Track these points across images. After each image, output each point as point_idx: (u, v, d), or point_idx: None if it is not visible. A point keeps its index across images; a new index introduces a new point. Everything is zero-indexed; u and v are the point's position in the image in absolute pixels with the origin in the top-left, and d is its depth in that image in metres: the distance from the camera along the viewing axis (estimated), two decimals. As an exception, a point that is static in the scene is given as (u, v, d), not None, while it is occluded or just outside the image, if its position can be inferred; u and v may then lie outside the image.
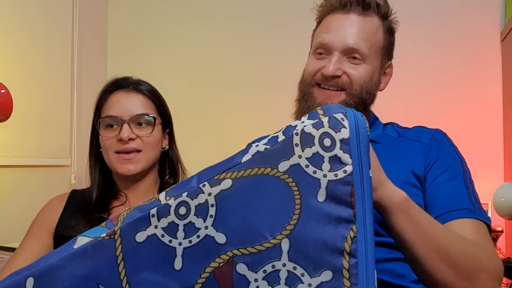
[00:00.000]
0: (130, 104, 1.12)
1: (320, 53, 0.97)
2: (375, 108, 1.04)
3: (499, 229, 1.80)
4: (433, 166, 0.89)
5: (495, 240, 1.79)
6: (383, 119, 1.06)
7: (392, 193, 0.70)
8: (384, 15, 0.99)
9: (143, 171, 1.12)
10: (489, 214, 1.88)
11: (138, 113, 1.11)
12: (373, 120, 1.03)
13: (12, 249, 1.46)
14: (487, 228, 0.82)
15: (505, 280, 1.47)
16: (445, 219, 0.81)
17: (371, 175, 0.61)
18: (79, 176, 2.09)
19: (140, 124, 1.11)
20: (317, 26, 1.03)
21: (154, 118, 1.13)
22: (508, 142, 1.90)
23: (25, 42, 1.82)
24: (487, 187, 1.78)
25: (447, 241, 0.72)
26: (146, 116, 1.12)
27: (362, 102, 0.95)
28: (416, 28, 2.07)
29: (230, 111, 2.27)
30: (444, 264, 0.70)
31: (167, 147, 1.20)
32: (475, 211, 0.82)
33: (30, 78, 1.84)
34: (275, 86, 2.01)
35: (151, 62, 2.38)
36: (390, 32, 1.01)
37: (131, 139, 1.08)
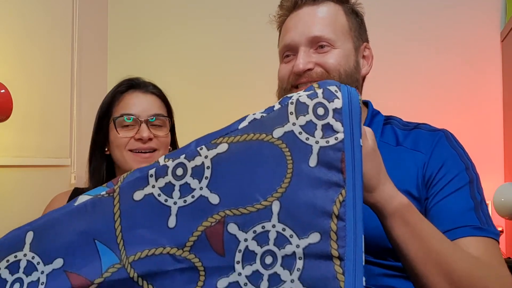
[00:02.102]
0: (148, 104, 1.15)
1: (287, 56, 0.94)
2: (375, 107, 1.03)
3: (499, 229, 1.79)
4: (435, 178, 0.84)
5: (495, 240, 1.79)
6: (383, 118, 1.03)
7: (390, 197, 0.68)
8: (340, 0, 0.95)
9: None
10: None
11: (156, 113, 1.13)
12: (371, 118, 0.97)
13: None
14: (496, 244, 0.77)
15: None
16: (451, 237, 0.74)
17: (361, 144, 0.62)
18: (79, 176, 2.08)
19: (156, 124, 1.13)
20: (279, 36, 1.01)
21: (169, 119, 1.15)
22: (508, 142, 1.90)
23: (25, 42, 1.82)
24: (487, 187, 1.77)
25: (450, 257, 0.67)
26: (163, 117, 1.14)
27: None
28: (416, 28, 2.07)
29: (231, 110, 2.27)
30: (446, 282, 0.66)
31: (170, 148, 1.22)
32: (483, 227, 0.76)
33: (30, 78, 1.84)
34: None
35: (151, 62, 2.38)
36: (354, 13, 0.96)
37: (150, 139, 1.11)
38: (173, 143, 1.24)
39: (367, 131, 0.68)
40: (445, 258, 0.67)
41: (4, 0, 1.71)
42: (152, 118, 1.12)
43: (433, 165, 0.86)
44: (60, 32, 2.05)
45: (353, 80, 0.92)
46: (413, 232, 0.67)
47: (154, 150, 1.13)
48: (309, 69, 0.90)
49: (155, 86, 1.20)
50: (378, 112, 1.00)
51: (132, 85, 1.17)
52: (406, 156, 0.89)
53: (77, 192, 1.19)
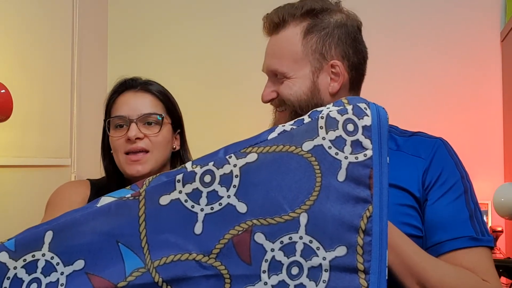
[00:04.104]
0: (138, 104, 1.12)
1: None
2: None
3: (499, 229, 1.80)
4: (434, 185, 0.87)
5: (495, 240, 1.79)
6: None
7: None
8: (304, 14, 0.92)
9: (152, 172, 1.10)
10: (489, 214, 1.88)
11: (146, 112, 1.11)
12: None
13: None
14: (490, 253, 0.82)
15: (505, 280, 1.47)
16: (447, 248, 0.81)
17: (388, 161, 0.64)
18: (79, 176, 2.08)
19: (149, 123, 1.11)
20: None
21: (162, 117, 1.12)
22: (508, 142, 1.90)
23: (25, 42, 1.82)
24: (487, 187, 1.78)
25: (424, 268, 0.73)
26: (154, 115, 1.12)
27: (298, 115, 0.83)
28: (416, 28, 2.07)
29: (232, 110, 2.27)
30: None
31: (178, 148, 1.20)
32: (477, 237, 0.81)
33: (30, 78, 1.84)
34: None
35: (151, 62, 2.38)
36: (319, 30, 0.91)
37: (138, 138, 1.08)
38: (182, 143, 1.21)
39: None
40: (419, 270, 0.74)
41: (4, 0, 1.71)
42: (144, 118, 1.10)
43: (433, 172, 0.88)
44: (60, 32, 2.05)
45: (311, 105, 0.90)
46: (400, 256, 0.73)
47: (146, 151, 1.10)
48: (273, 98, 0.95)
49: (151, 84, 1.16)
50: None
51: (125, 85, 1.16)
52: (407, 160, 0.91)
53: (95, 183, 1.17)
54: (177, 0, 2.39)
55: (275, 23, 0.94)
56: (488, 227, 1.86)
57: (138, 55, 2.40)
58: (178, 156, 1.21)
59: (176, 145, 1.19)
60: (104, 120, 1.16)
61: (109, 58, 2.43)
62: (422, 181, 0.87)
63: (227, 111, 2.29)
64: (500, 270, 1.34)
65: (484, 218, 1.78)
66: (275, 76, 0.94)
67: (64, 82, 2.06)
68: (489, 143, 1.98)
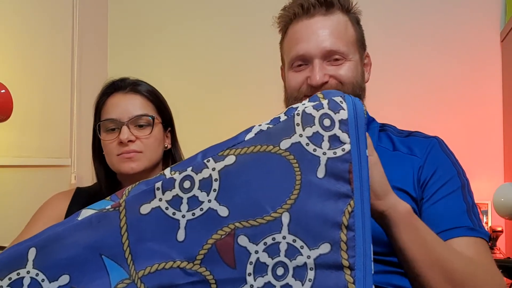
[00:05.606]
0: (128, 106, 1.11)
1: (299, 65, 0.95)
2: (374, 108, 1.03)
3: (499, 229, 1.80)
4: (429, 181, 0.87)
5: (495, 240, 1.79)
6: (383, 120, 1.04)
7: (396, 204, 0.69)
8: (348, 8, 0.96)
9: (146, 171, 1.11)
10: (489, 214, 1.88)
11: (136, 114, 1.10)
12: (367, 124, 0.96)
13: (12, 249, 1.46)
14: (487, 244, 0.81)
15: (505, 280, 1.47)
16: (445, 237, 0.79)
17: (368, 154, 0.63)
18: (79, 176, 2.09)
19: (140, 125, 1.11)
20: (283, 38, 1.01)
21: (153, 118, 1.12)
22: (508, 142, 1.90)
23: (25, 42, 1.82)
24: (487, 187, 1.78)
25: (451, 261, 0.71)
26: (145, 117, 1.12)
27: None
28: (416, 28, 2.07)
29: (232, 110, 2.27)
30: (446, 283, 0.69)
31: (169, 146, 1.20)
32: (475, 228, 0.81)
33: (30, 78, 1.84)
34: (278, 85, 2.01)
35: (151, 62, 2.38)
36: (358, 23, 0.99)
37: (130, 141, 1.08)
38: (173, 142, 1.22)
39: (369, 141, 0.69)
40: (446, 261, 0.70)
41: (4, 0, 1.71)
42: (135, 120, 1.09)
43: (428, 169, 0.88)
44: (60, 32, 2.05)
45: (362, 89, 0.96)
46: (419, 236, 0.70)
47: (139, 152, 1.10)
48: (325, 82, 0.92)
49: (140, 84, 1.15)
50: (374, 119, 1.02)
51: (113, 87, 1.15)
52: (403, 160, 0.91)
53: (80, 192, 1.18)
54: (177, 0, 2.39)
55: (329, 2, 0.93)
56: (488, 227, 1.86)
57: (138, 55, 2.40)
58: (170, 154, 1.21)
59: (168, 143, 1.19)
60: (94, 123, 1.15)
61: (109, 58, 2.44)
62: (418, 179, 0.88)
63: (227, 111, 2.29)
64: (500, 270, 1.34)
65: (481, 217, 1.78)
66: (330, 58, 0.92)
67: (64, 82, 2.06)
68: (489, 143, 1.98)
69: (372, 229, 0.72)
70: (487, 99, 1.99)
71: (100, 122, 1.12)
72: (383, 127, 1.01)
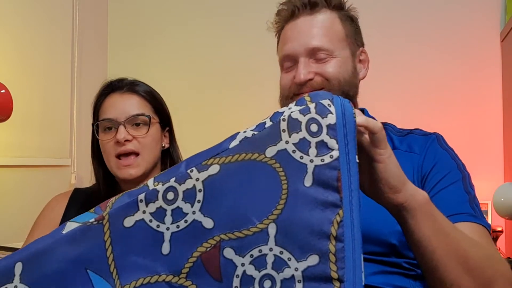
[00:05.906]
0: (125, 106, 1.11)
1: (288, 66, 0.97)
2: (374, 107, 1.03)
3: (499, 229, 1.79)
4: (429, 174, 0.87)
5: (495, 240, 1.79)
6: (383, 119, 1.04)
7: (414, 194, 0.68)
8: (336, 6, 0.97)
9: (145, 174, 1.11)
10: (489, 214, 1.88)
11: (133, 113, 1.10)
12: None
13: (12, 249, 1.46)
14: (488, 232, 0.80)
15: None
16: None
17: (357, 160, 0.60)
18: (79, 176, 2.09)
19: (137, 124, 1.11)
20: (277, 43, 1.03)
21: (149, 117, 1.12)
22: (508, 142, 1.90)
23: (25, 42, 1.82)
24: (487, 187, 1.78)
25: (469, 250, 0.70)
26: (142, 116, 1.12)
27: (344, 95, 0.89)
28: (416, 27, 2.07)
29: (232, 110, 2.27)
30: (465, 274, 0.69)
31: (167, 146, 1.20)
32: (477, 216, 0.80)
33: (30, 78, 1.84)
34: (278, 85, 2.02)
35: (151, 62, 2.38)
36: (349, 19, 0.99)
37: (127, 140, 1.08)
38: (172, 141, 1.22)
39: (382, 134, 0.68)
40: (462, 248, 0.70)
41: (4, 0, 1.71)
42: (131, 119, 1.09)
43: (427, 164, 0.88)
44: (60, 32, 2.05)
45: (352, 85, 0.95)
46: (438, 224, 0.69)
47: (136, 154, 1.10)
48: (310, 79, 0.93)
49: (137, 84, 1.16)
50: (374, 118, 1.02)
51: (111, 87, 1.15)
52: (402, 158, 0.89)
53: (77, 193, 1.18)
54: (177, 0, 2.39)
55: (313, 3, 0.94)
56: (488, 227, 1.86)
57: (138, 55, 2.40)
58: (168, 154, 1.21)
59: (166, 143, 1.20)
60: (93, 124, 1.16)
61: (109, 58, 2.44)
62: (418, 176, 0.88)
63: (227, 111, 2.29)
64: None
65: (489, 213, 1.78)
66: (315, 56, 0.93)
67: (64, 82, 2.07)
68: (489, 143, 1.97)
69: (372, 229, 0.71)
70: (487, 99, 1.99)
71: (98, 122, 1.13)
72: (383, 126, 1.01)
